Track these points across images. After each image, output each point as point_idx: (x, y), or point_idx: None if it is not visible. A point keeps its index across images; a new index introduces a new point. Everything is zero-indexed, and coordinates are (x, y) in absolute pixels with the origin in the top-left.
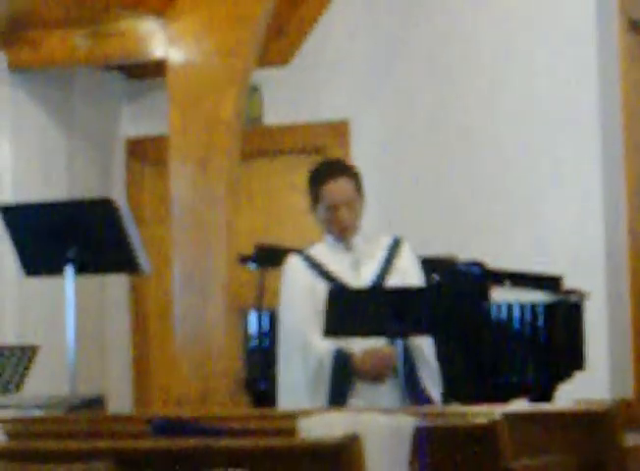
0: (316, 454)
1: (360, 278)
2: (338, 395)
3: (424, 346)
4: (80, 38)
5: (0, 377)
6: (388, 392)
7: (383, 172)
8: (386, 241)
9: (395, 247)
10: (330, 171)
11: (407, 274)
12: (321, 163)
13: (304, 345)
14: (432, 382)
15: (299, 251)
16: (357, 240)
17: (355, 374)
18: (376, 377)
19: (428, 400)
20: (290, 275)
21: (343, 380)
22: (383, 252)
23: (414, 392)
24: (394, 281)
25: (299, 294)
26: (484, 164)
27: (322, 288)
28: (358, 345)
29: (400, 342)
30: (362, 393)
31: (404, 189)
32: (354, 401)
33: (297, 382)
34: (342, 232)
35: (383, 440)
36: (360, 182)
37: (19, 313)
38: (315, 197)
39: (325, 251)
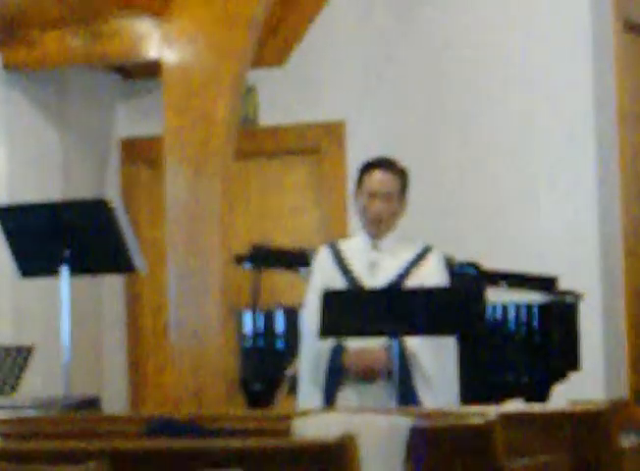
0: (311, 455)
1: (375, 279)
2: (329, 389)
3: (418, 350)
4: (75, 38)
5: None
6: (377, 391)
7: None
8: (415, 247)
9: (422, 254)
10: (379, 162)
11: (429, 281)
12: (374, 157)
13: (313, 338)
14: (425, 386)
15: (330, 243)
16: (387, 242)
17: (346, 370)
18: (365, 376)
19: (416, 403)
20: (315, 267)
21: (335, 373)
22: (408, 258)
23: (403, 394)
24: (412, 285)
25: (317, 289)
26: (479, 165)
27: (339, 284)
28: (354, 343)
29: (395, 343)
30: (353, 389)
31: None
32: (343, 396)
33: (304, 371)
34: (373, 221)
35: (378, 440)
36: (406, 183)
37: (14, 314)
38: (359, 184)
39: (352, 246)
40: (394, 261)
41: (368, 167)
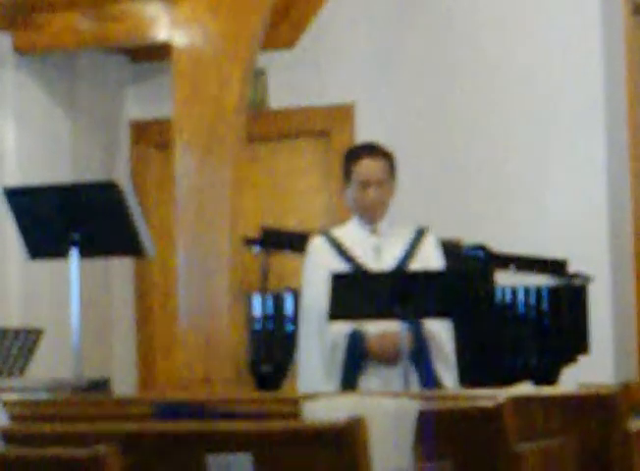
0: (320, 438)
1: (382, 262)
2: (350, 375)
3: (438, 331)
4: (84, 21)
5: (5, 360)
6: (399, 374)
7: None
8: (411, 230)
9: (419, 236)
10: (365, 149)
11: (429, 263)
12: (357, 144)
13: (322, 325)
14: (445, 367)
15: (324, 232)
16: (383, 226)
17: (368, 355)
18: (388, 359)
19: (437, 384)
20: (312, 255)
21: (356, 360)
22: (407, 240)
23: (423, 375)
24: (415, 268)
25: (319, 275)
26: (489, 148)
27: (342, 270)
28: (373, 328)
29: (406, 325)
30: (374, 374)
31: (409, 173)
32: (366, 381)
33: (314, 360)
34: (369, 210)
35: (387, 423)
36: (394, 165)
37: (23, 296)
38: (347, 174)
39: (349, 233)
40: (395, 245)
41: (355, 155)
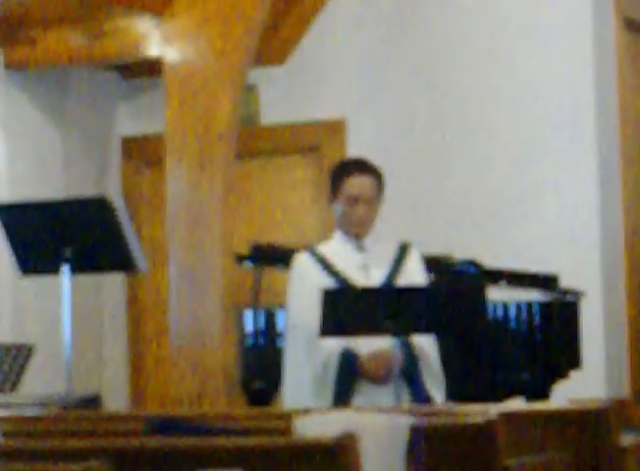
0: (312, 454)
1: (369, 278)
2: (342, 394)
3: (427, 347)
4: (76, 37)
5: None
6: (391, 392)
7: None
8: (394, 245)
9: (403, 251)
10: (355, 166)
11: (414, 278)
12: (347, 159)
13: (311, 343)
14: (435, 383)
15: (309, 248)
16: (368, 242)
17: (360, 375)
18: (380, 379)
19: (428, 400)
20: (298, 272)
21: (348, 379)
22: (392, 255)
23: (415, 392)
24: (401, 283)
25: (307, 292)
26: (480, 163)
27: (329, 286)
28: (365, 346)
29: (397, 342)
30: (366, 393)
31: (400, 189)
32: (358, 400)
33: (303, 379)
34: (356, 226)
35: (379, 439)
36: (382, 183)
37: (15, 312)
38: (336, 190)
39: (335, 249)
40: (380, 260)
41: (345, 171)
